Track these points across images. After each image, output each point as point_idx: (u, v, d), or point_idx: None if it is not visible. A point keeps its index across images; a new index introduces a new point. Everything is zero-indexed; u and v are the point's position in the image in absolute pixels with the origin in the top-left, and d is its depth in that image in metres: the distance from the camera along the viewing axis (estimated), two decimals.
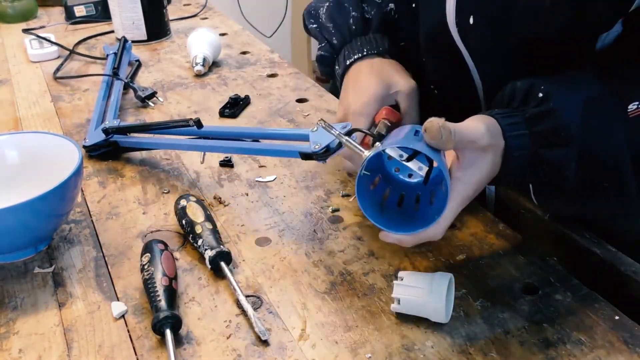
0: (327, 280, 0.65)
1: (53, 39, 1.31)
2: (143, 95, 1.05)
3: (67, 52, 1.28)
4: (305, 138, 0.69)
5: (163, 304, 0.59)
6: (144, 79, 1.17)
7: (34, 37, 1.33)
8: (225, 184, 0.83)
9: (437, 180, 0.61)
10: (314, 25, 0.85)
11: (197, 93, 1.10)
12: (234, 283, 0.63)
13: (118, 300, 0.64)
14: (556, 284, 0.63)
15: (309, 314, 0.61)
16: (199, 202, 0.73)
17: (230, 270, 0.65)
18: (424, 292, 0.57)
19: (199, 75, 1.17)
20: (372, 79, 0.73)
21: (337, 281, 0.65)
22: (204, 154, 0.83)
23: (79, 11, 1.48)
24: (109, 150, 0.90)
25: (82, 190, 0.82)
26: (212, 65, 1.21)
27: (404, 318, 0.60)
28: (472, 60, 0.73)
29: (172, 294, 0.61)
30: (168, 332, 0.57)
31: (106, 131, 0.88)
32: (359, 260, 0.68)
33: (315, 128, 0.67)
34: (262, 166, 0.86)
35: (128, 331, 0.60)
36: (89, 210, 0.78)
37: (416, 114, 0.75)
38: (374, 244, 0.70)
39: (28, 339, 0.59)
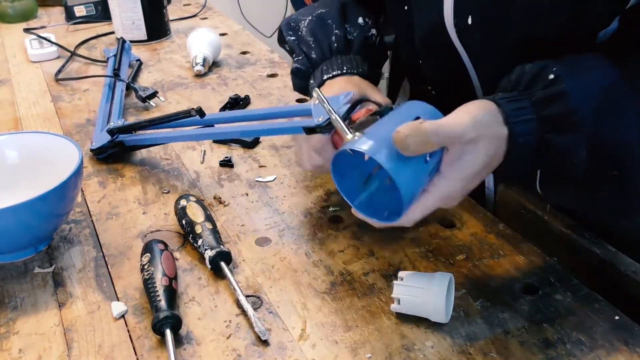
0: (327, 280, 0.65)
1: (53, 39, 1.31)
2: (144, 96, 1.05)
3: (68, 52, 1.28)
4: (308, 113, 0.68)
5: (163, 304, 0.59)
6: (144, 79, 1.17)
7: (34, 37, 1.33)
8: (225, 184, 0.83)
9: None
10: (292, 38, 0.83)
11: (197, 93, 1.10)
12: (234, 283, 0.63)
13: (118, 300, 0.64)
14: (556, 284, 0.63)
15: (309, 314, 0.61)
16: (199, 202, 0.73)
17: (230, 270, 0.65)
18: (424, 292, 0.57)
19: (199, 75, 1.17)
20: (349, 87, 0.73)
21: (337, 281, 0.65)
22: (204, 154, 0.83)
23: (79, 11, 1.48)
24: (115, 152, 0.89)
25: (82, 190, 0.82)
26: (212, 65, 1.21)
27: (404, 318, 0.59)
28: (470, 61, 0.73)
29: (172, 294, 0.61)
30: (168, 332, 0.57)
31: (111, 132, 0.88)
32: (359, 260, 0.68)
33: (317, 101, 0.66)
34: (262, 166, 0.86)
35: (128, 331, 0.60)
36: (89, 210, 0.78)
37: None
38: (374, 244, 0.70)
39: (28, 339, 0.60)
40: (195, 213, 0.71)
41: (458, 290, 0.62)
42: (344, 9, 0.82)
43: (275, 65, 1.21)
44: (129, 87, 1.09)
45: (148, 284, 0.61)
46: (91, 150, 0.89)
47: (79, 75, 1.19)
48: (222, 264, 0.65)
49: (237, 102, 1.04)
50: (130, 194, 0.81)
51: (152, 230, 0.74)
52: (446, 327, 0.58)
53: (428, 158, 0.55)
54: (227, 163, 0.87)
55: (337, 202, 0.77)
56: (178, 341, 0.58)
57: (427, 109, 0.59)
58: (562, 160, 0.58)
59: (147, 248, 0.65)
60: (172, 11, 1.54)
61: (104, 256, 0.70)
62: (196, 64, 1.17)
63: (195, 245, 0.68)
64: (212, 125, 0.80)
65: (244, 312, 0.61)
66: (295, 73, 0.83)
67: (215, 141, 0.93)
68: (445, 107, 0.63)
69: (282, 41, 0.87)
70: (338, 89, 0.73)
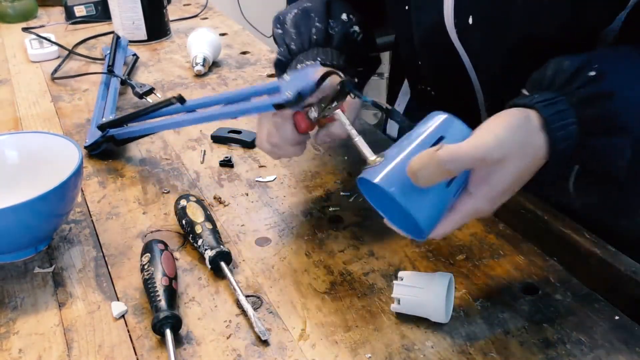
0: (327, 280, 0.65)
1: (53, 39, 1.31)
2: (141, 92, 1.05)
3: (67, 52, 1.28)
4: (278, 90, 0.67)
5: (163, 304, 0.59)
6: (144, 79, 1.17)
7: (34, 37, 1.33)
8: (225, 184, 0.83)
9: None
10: (279, 31, 0.84)
11: (197, 93, 1.10)
12: (234, 283, 0.63)
13: (118, 300, 0.64)
14: (556, 284, 0.63)
15: (309, 314, 0.61)
16: (199, 202, 0.73)
17: (230, 270, 0.65)
18: (424, 292, 0.57)
19: (199, 75, 1.17)
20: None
21: (337, 281, 0.65)
22: (204, 154, 0.83)
23: (79, 11, 1.48)
24: (109, 147, 0.90)
25: (82, 190, 0.82)
26: (212, 65, 1.21)
27: (404, 318, 0.59)
28: (470, 61, 0.73)
29: (172, 294, 0.61)
30: (168, 332, 0.57)
31: (101, 127, 0.88)
32: (359, 260, 0.68)
33: (287, 77, 0.66)
34: (262, 166, 0.86)
35: (128, 331, 0.60)
36: (89, 210, 0.78)
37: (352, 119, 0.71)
38: (374, 244, 0.70)
39: (28, 339, 0.59)
40: (195, 213, 0.71)
41: (458, 290, 0.62)
42: (329, 5, 0.82)
43: None
44: (126, 84, 1.09)
45: (148, 284, 0.61)
46: (85, 147, 0.89)
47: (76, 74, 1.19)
48: (222, 264, 0.65)
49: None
50: (130, 194, 0.81)
51: (152, 230, 0.74)
52: (446, 327, 0.58)
53: (450, 182, 0.52)
54: (227, 163, 0.87)
55: (337, 202, 0.77)
56: (178, 341, 0.58)
57: (454, 126, 0.55)
58: (605, 163, 0.54)
59: (147, 248, 0.65)
60: (172, 11, 1.54)
61: (104, 256, 0.70)
62: (196, 64, 1.17)
63: (195, 245, 0.68)
64: (194, 111, 0.80)
65: (244, 312, 0.61)
66: (276, 64, 0.83)
67: (215, 141, 0.93)
68: (445, 108, 0.63)
69: (272, 36, 0.88)
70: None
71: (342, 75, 0.63)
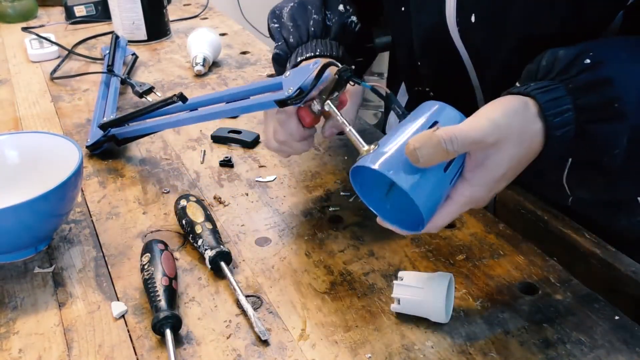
0: (327, 280, 0.65)
1: (53, 39, 1.31)
2: (141, 91, 1.05)
3: (66, 51, 1.28)
4: (280, 87, 0.67)
5: (163, 304, 0.59)
6: (144, 79, 1.17)
7: (34, 37, 1.33)
8: (225, 184, 0.83)
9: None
10: (276, 25, 0.84)
11: (197, 93, 1.10)
12: (234, 283, 0.63)
13: (118, 300, 0.64)
14: (556, 284, 0.63)
15: (309, 314, 0.61)
16: (199, 202, 0.73)
17: (230, 270, 0.65)
18: (424, 292, 0.57)
19: (199, 75, 1.17)
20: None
21: (337, 281, 0.65)
22: (204, 154, 0.83)
23: (79, 11, 1.48)
24: (110, 147, 0.90)
25: (82, 190, 0.82)
26: (212, 65, 1.21)
27: (404, 318, 0.59)
28: (471, 61, 0.73)
29: (172, 294, 0.61)
30: (168, 332, 0.57)
31: (103, 126, 0.88)
32: (359, 260, 0.68)
33: (288, 74, 0.66)
34: (262, 166, 0.86)
35: (128, 331, 0.60)
36: (89, 210, 0.78)
37: (354, 107, 0.72)
38: (374, 244, 0.70)
39: (28, 339, 0.59)
40: (195, 213, 0.71)
41: (458, 290, 0.62)
42: None
43: None
44: (125, 83, 1.09)
45: (148, 284, 0.61)
46: (87, 146, 0.89)
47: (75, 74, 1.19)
48: (222, 264, 0.65)
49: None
50: (130, 194, 0.81)
51: (152, 230, 0.74)
52: (446, 327, 0.58)
53: (447, 166, 0.52)
54: (227, 163, 0.87)
55: (337, 202, 0.77)
56: (178, 341, 0.58)
57: (447, 112, 0.55)
58: (601, 150, 0.54)
59: (147, 248, 0.65)
60: (172, 11, 1.54)
61: (104, 256, 0.70)
62: (196, 64, 1.17)
63: (195, 245, 0.68)
64: (196, 109, 0.80)
65: (244, 312, 0.61)
66: (275, 59, 0.84)
67: (215, 141, 0.93)
68: None
69: (269, 29, 0.88)
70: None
71: (338, 64, 0.63)
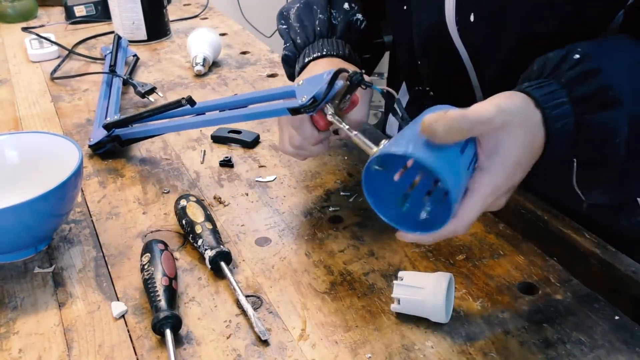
0: (327, 280, 0.65)
1: (53, 39, 1.31)
2: (143, 91, 1.05)
3: (66, 51, 1.28)
4: (292, 94, 0.67)
5: (163, 304, 0.59)
6: (144, 79, 1.17)
7: (34, 37, 1.33)
8: (225, 184, 0.83)
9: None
10: (284, 26, 0.85)
11: (197, 93, 1.10)
12: (234, 283, 0.63)
13: (118, 300, 0.64)
14: (556, 284, 0.63)
15: (309, 314, 0.61)
16: (199, 202, 0.73)
17: (230, 270, 0.65)
18: (424, 292, 0.57)
19: (199, 75, 1.17)
20: (330, 67, 0.70)
21: (337, 281, 0.65)
22: (204, 154, 0.83)
23: (79, 11, 1.48)
24: (114, 147, 0.90)
25: (82, 190, 0.82)
26: (212, 65, 1.21)
27: (404, 318, 0.59)
28: (470, 60, 0.73)
29: (172, 294, 0.61)
30: (168, 332, 0.57)
31: (107, 127, 0.88)
32: (359, 260, 0.68)
33: (301, 82, 0.66)
34: (262, 166, 0.86)
35: (128, 331, 0.60)
36: (89, 210, 0.78)
37: (366, 104, 0.72)
38: (374, 244, 0.70)
39: (28, 339, 0.59)
40: (195, 213, 0.71)
41: (458, 290, 0.62)
42: None
43: (275, 65, 1.21)
44: (127, 83, 1.09)
45: (148, 284, 0.61)
46: (89, 146, 0.89)
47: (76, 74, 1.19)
48: (222, 264, 0.65)
49: None
50: (130, 194, 0.81)
51: (152, 230, 0.74)
52: (446, 327, 0.58)
53: (463, 149, 0.52)
54: (227, 163, 0.87)
55: (337, 202, 0.77)
56: (178, 341, 0.58)
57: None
58: (604, 141, 0.55)
59: (147, 248, 0.65)
60: (172, 11, 1.54)
61: (104, 256, 0.70)
62: (196, 64, 1.17)
63: (195, 245, 0.68)
64: (203, 113, 0.80)
65: (244, 312, 0.61)
66: (284, 60, 0.84)
67: (215, 141, 0.93)
68: None
69: (278, 30, 0.88)
70: (321, 69, 0.72)
71: (349, 70, 0.64)
